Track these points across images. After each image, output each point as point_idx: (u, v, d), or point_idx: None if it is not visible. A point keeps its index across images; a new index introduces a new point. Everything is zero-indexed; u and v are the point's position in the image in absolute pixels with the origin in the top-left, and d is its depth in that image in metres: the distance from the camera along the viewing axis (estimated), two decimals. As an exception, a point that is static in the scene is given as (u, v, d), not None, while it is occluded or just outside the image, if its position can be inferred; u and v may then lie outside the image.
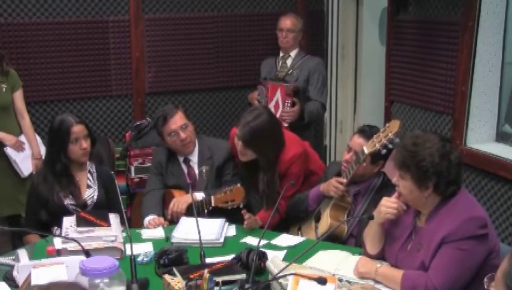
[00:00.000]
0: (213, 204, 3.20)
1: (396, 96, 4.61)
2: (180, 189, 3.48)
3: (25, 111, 4.16)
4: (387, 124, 2.91)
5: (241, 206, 3.16)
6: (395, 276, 2.39)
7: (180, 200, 3.32)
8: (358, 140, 3.03)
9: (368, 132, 3.03)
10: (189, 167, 3.53)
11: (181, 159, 3.55)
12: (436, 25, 4.14)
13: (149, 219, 3.29)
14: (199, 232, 2.65)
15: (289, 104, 4.46)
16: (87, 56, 4.75)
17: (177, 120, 3.46)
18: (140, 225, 3.32)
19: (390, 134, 2.82)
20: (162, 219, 3.26)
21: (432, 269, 2.31)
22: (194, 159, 3.54)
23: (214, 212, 3.20)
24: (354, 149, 3.02)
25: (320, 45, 5.46)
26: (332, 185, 3.07)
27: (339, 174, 3.14)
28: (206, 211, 3.22)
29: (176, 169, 3.53)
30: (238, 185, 3.17)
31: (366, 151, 2.90)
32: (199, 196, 3.29)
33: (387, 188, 2.92)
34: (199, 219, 2.78)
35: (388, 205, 2.53)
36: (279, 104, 4.49)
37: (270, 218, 2.79)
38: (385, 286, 2.42)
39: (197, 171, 3.51)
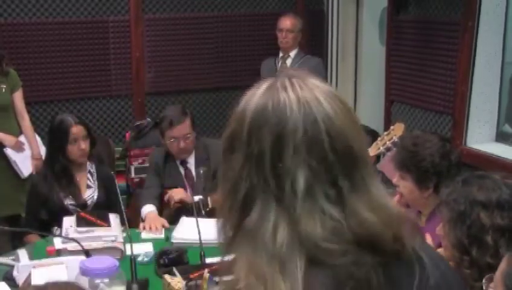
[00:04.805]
0: (210, 205, 3.20)
1: (396, 97, 4.60)
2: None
3: (25, 111, 4.15)
4: (391, 127, 2.88)
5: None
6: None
7: (175, 191, 3.36)
8: None
9: None
10: (186, 169, 3.52)
11: (178, 160, 3.53)
12: (436, 25, 4.14)
13: (148, 211, 3.27)
14: (199, 232, 2.65)
15: None
16: (87, 56, 4.74)
17: (182, 129, 3.41)
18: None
19: (394, 137, 2.79)
20: (163, 220, 3.21)
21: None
22: (191, 161, 3.52)
23: (214, 213, 3.19)
24: None
25: (320, 45, 5.45)
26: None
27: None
28: (203, 211, 3.21)
29: (173, 170, 3.52)
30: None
31: (370, 154, 2.88)
32: (196, 198, 3.28)
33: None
34: (199, 219, 2.78)
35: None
36: None
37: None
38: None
39: (194, 173, 3.50)
